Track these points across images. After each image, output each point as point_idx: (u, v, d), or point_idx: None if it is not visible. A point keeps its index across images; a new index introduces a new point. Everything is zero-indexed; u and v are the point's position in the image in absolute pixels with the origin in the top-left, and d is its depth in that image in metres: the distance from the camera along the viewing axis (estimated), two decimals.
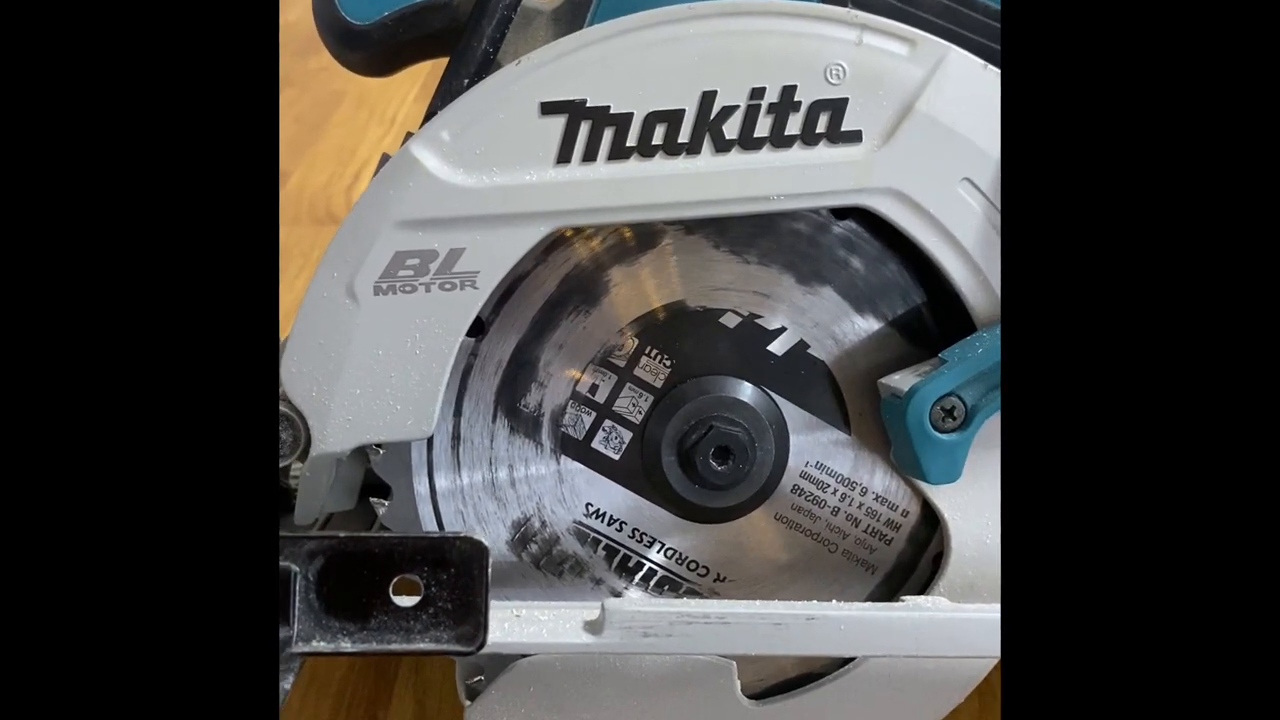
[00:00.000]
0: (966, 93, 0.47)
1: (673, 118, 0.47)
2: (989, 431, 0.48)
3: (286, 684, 0.41)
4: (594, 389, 0.51)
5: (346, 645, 0.42)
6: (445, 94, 0.50)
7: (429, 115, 0.50)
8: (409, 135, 0.49)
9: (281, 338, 0.64)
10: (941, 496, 0.51)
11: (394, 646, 0.42)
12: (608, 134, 0.47)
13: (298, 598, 0.42)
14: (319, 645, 0.42)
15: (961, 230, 0.48)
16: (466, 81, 0.50)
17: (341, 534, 0.43)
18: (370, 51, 0.54)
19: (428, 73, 0.57)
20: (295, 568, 0.42)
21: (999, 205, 0.48)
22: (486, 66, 0.51)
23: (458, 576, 0.43)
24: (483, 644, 0.44)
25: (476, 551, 0.43)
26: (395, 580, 0.43)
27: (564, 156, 0.47)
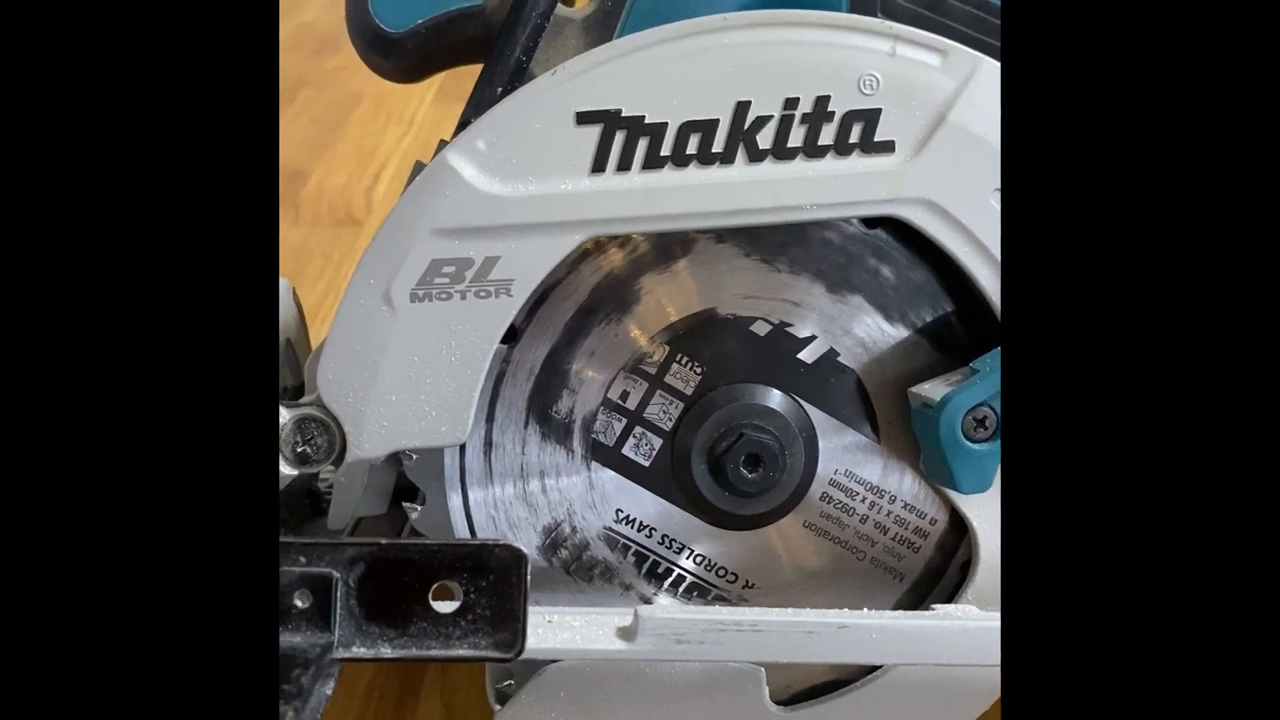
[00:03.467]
0: (998, 103, 0.47)
1: (707, 128, 0.47)
2: None
3: (327, 689, 0.41)
4: (625, 396, 0.52)
5: (386, 651, 0.43)
6: (479, 102, 0.51)
7: (462, 124, 0.50)
8: (443, 143, 0.49)
9: (310, 338, 0.65)
10: (970, 505, 0.51)
11: (433, 652, 0.43)
12: (642, 144, 0.47)
13: (339, 604, 0.42)
14: (359, 651, 0.42)
15: (993, 240, 0.48)
16: (500, 90, 0.50)
17: (383, 541, 0.43)
18: (403, 58, 0.54)
19: (445, 75, 0.57)
20: (336, 574, 0.42)
21: None
22: (520, 75, 0.51)
23: (496, 583, 0.43)
24: (521, 651, 0.44)
25: (515, 559, 0.43)
26: (435, 586, 0.43)
27: (599, 166, 0.47)
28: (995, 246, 0.48)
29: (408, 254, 0.47)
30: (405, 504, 0.52)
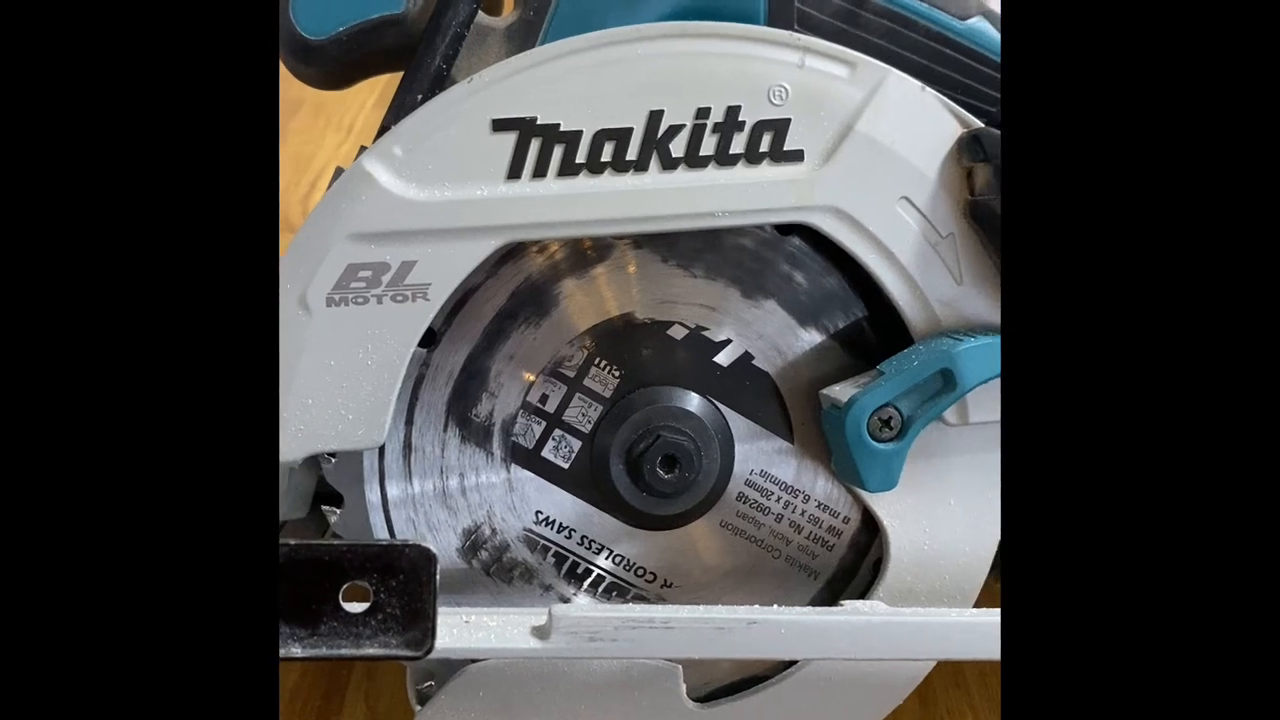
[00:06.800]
0: (904, 114, 0.49)
1: (621, 136, 0.48)
2: (924, 441, 0.50)
3: None
4: (544, 399, 0.53)
5: (296, 650, 0.43)
6: (399, 109, 0.51)
7: (383, 129, 0.51)
8: (363, 149, 0.50)
9: None
10: (881, 504, 0.52)
11: (343, 651, 0.43)
12: (557, 151, 0.48)
13: None
14: None
15: (899, 247, 0.49)
16: (420, 97, 0.51)
17: (291, 541, 0.44)
18: (325, 66, 0.55)
19: (386, 81, 0.57)
20: None
21: (935, 223, 0.49)
22: (440, 82, 0.52)
23: (406, 583, 0.44)
24: (430, 649, 0.45)
25: (424, 559, 0.44)
26: (345, 587, 0.44)
27: (515, 172, 0.48)
28: (901, 253, 0.50)
29: (324, 258, 0.47)
30: (325, 507, 0.52)
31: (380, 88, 0.59)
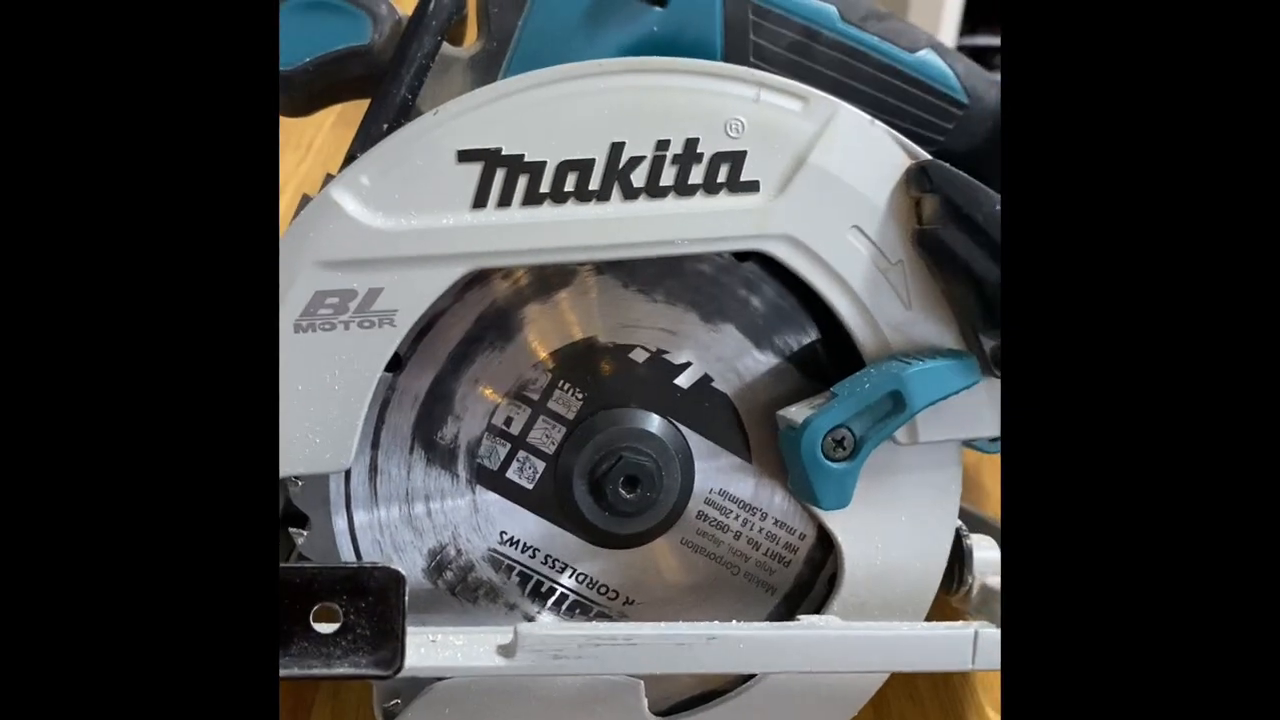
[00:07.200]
0: (855, 146, 0.51)
1: (583, 166, 0.49)
2: (876, 460, 0.52)
3: None
4: (509, 421, 0.54)
5: None
6: (365, 139, 0.52)
7: (349, 159, 0.52)
8: (329, 177, 0.51)
9: None
10: (835, 521, 0.54)
11: (315, 671, 0.44)
12: (522, 181, 0.49)
13: None
14: None
15: (850, 273, 0.51)
16: (386, 127, 0.52)
17: None
18: (291, 95, 0.56)
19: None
20: None
21: (884, 250, 0.52)
22: (405, 112, 0.53)
23: (375, 605, 0.45)
24: (399, 669, 0.46)
25: (393, 581, 0.45)
26: (316, 608, 0.45)
27: (480, 202, 0.49)
28: (852, 279, 0.51)
29: (292, 285, 0.48)
30: (292, 529, 0.53)
31: (339, 107, 0.60)
